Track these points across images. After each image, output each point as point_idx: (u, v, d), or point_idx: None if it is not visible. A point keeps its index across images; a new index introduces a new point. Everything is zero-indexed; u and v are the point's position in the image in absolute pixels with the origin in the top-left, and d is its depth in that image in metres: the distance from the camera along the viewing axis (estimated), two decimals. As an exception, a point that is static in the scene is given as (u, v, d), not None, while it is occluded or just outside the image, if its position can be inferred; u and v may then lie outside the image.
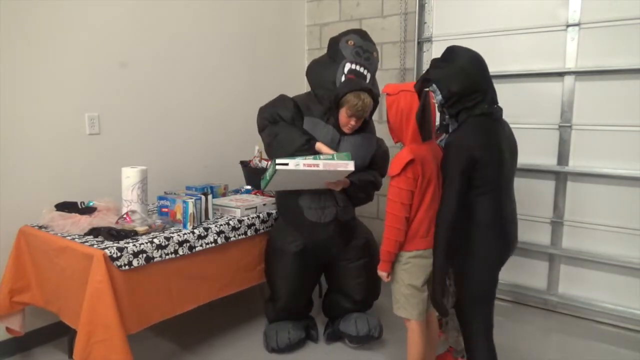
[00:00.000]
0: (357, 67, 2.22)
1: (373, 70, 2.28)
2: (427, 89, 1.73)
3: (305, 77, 2.52)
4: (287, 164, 1.92)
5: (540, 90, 2.89)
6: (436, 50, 3.19)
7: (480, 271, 1.71)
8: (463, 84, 1.65)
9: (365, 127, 2.29)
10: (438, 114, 1.86)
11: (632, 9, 2.55)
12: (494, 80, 1.76)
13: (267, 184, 2.08)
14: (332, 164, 1.94)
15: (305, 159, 1.94)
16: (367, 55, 2.25)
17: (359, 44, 2.26)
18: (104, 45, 2.54)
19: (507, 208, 1.73)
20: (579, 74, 2.75)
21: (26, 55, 2.25)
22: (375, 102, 2.23)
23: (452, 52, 1.73)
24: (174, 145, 2.95)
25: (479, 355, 1.73)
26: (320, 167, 1.93)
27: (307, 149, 2.15)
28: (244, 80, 3.40)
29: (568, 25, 2.75)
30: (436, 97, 1.74)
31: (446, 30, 3.16)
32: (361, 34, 2.32)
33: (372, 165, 2.37)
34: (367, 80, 2.24)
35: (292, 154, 2.08)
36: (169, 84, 2.89)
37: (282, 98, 2.34)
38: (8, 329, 2.22)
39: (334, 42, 2.31)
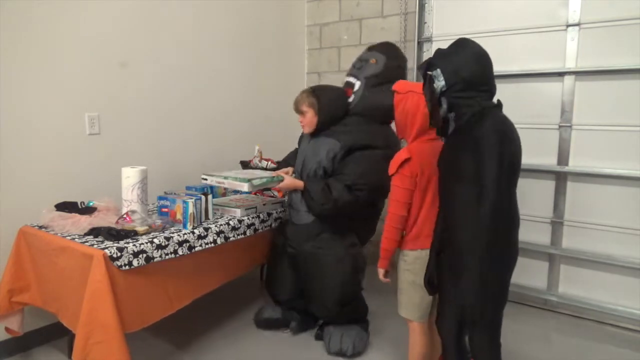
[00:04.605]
0: (348, 79, 2.47)
1: (365, 75, 2.40)
2: (429, 73, 1.60)
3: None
4: (206, 179, 2.42)
5: (540, 90, 2.89)
6: (436, 50, 3.19)
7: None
8: (474, 71, 1.55)
9: (325, 129, 2.39)
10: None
11: (632, 9, 2.55)
12: (495, 81, 1.73)
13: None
14: (234, 184, 2.33)
15: (226, 178, 2.35)
16: (361, 64, 2.44)
17: (360, 57, 2.49)
18: (104, 45, 2.54)
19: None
20: (579, 74, 2.75)
21: (26, 55, 2.25)
22: (318, 100, 2.35)
23: (464, 42, 1.62)
24: (174, 145, 2.95)
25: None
26: (225, 185, 2.38)
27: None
28: (244, 80, 3.40)
29: (568, 25, 2.75)
30: (437, 83, 1.58)
31: (446, 30, 3.16)
32: (372, 47, 2.51)
33: (337, 171, 2.32)
34: (356, 88, 2.42)
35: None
36: (168, 84, 2.89)
37: None
38: (7, 329, 2.22)
39: None
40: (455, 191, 1.59)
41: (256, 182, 2.30)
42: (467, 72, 1.54)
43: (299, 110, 2.41)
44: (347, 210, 2.29)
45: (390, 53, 2.43)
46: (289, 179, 2.37)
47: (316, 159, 2.36)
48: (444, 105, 1.60)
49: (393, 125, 2.07)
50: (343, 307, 2.37)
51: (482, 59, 1.58)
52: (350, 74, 2.47)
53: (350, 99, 2.41)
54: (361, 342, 2.40)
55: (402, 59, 2.48)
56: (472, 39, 1.64)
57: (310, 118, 2.38)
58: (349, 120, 2.39)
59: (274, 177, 2.37)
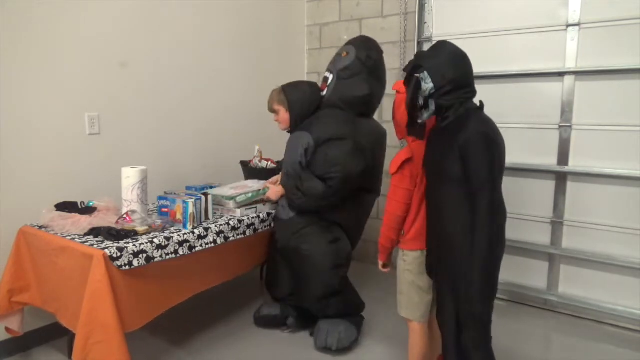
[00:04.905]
0: (325, 74, 2.51)
1: (337, 68, 2.42)
2: (416, 75, 1.63)
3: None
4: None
5: (540, 90, 2.88)
6: (436, 50, 3.19)
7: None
8: (458, 73, 1.59)
9: (300, 124, 2.46)
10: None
11: (632, 9, 2.55)
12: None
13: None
14: (223, 202, 2.47)
15: (224, 197, 2.47)
16: (335, 58, 2.47)
17: (337, 51, 2.50)
18: (104, 45, 2.54)
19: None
20: (579, 74, 2.75)
21: (26, 55, 2.25)
22: (287, 97, 2.45)
23: (444, 43, 1.67)
24: (174, 145, 2.95)
25: None
26: (220, 203, 2.49)
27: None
28: (244, 80, 3.40)
29: (568, 25, 2.75)
30: (425, 85, 1.61)
31: (446, 30, 3.16)
32: (348, 41, 2.50)
33: (311, 163, 2.36)
34: (329, 82, 2.45)
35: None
36: (169, 84, 2.89)
37: None
38: (7, 329, 2.22)
39: None
40: (443, 192, 1.63)
41: (240, 198, 2.43)
42: (452, 74, 1.58)
43: (271, 110, 2.52)
44: (323, 202, 2.31)
45: (361, 45, 2.41)
46: (273, 189, 2.49)
47: (293, 154, 2.39)
48: (432, 107, 1.63)
49: (391, 124, 2.07)
50: (328, 301, 2.39)
51: (462, 60, 1.63)
52: (327, 69, 2.51)
53: (324, 93, 2.47)
54: (347, 337, 2.38)
55: (374, 51, 2.41)
56: (451, 41, 1.68)
57: (283, 115, 2.48)
58: (321, 113, 2.44)
59: (259, 190, 2.52)
